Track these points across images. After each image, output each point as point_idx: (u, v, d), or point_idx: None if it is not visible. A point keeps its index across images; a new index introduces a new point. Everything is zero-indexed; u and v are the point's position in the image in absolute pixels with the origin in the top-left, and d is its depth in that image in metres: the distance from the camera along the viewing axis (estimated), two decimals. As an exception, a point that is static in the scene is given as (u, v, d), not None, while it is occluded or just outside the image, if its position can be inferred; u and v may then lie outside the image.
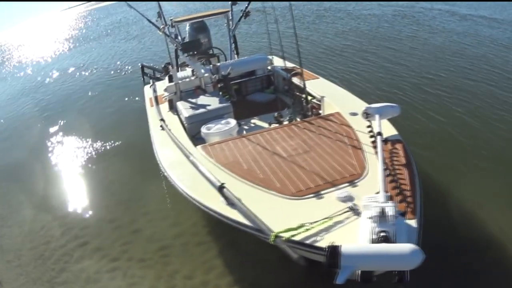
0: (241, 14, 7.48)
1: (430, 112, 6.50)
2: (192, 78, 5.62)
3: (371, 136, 3.38)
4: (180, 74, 5.91)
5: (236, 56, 8.14)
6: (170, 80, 5.58)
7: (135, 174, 5.74)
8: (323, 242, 2.19)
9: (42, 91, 12.89)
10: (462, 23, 13.03)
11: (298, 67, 5.90)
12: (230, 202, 2.76)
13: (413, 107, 6.83)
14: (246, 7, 7.32)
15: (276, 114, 4.77)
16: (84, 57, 17.82)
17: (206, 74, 5.62)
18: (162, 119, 4.78)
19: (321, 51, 11.54)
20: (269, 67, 6.53)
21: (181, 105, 5.02)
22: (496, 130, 5.64)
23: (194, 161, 3.44)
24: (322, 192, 2.81)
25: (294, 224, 2.35)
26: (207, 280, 3.62)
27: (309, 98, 4.91)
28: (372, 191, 2.53)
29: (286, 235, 2.27)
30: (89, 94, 11.10)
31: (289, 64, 5.84)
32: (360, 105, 4.12)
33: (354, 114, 4.07)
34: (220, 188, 2.86)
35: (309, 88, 5.00)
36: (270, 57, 6.54)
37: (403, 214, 2.29)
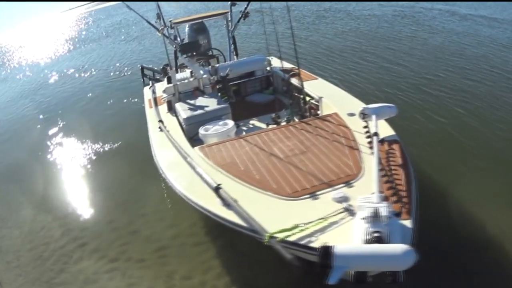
0: (240, 15, 7.48)
1: (429, 112, 6.51)
2: (191, 79, 5.63)
3: (368, 137, 3.39)
4: (179, 75, 5.93)
5: (235, 57, 8.14)
6: (169, 81, 5.59)
7: (133, 175, 5.76)
8: (317, 242, 2.20)
9: (42, 93, 12.93)
10: (462, 23, 13.03)
11: (297, 67, 5.93)
12: (226, 203, 2.76)
13: (413, 107, 6.84)
14: (245, 8, 7.33)
15: (273, 115, 4.78)
16: (84, 58, 17.87)
17: (204, 75, 5.63)
18: (160, 120, 4.79)
19: (321, 52, 11.55)
20: (268, 68, 6.53)
21: (179, 107, 5.04)
22: (496, 130, 5.64)
23: (191, 162, 3.46)
24: (318, 192, 2.81)
25: (289, 224, 2.36)
26: (205, 280, 3.64)
27: (307, 98, 4.91)
28: (368, 191, 2.53)
29: (281, 235, 2.27)
30: (89, 95, 11.13)
31: (288, 65, 5.85)
32: (358, 105, 4.12)
33: (351, 114, 4.07)
34: (216, 189, 2.87)
35: (307, 89, 5.01)
36: (269, 58, 6.55)
37: (397, 215, 2.29)
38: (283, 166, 3.25)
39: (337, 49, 11.62)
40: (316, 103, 4.88)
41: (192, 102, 5.13)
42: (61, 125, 8.88)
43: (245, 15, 7.40)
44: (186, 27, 7.67)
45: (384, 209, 2.05)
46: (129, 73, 12.81)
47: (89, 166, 6.63)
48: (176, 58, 7.89)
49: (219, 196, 2.84)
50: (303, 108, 4.78)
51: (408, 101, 7.13)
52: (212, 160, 3.54)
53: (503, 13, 13.91)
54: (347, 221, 2.40)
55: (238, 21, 7.69)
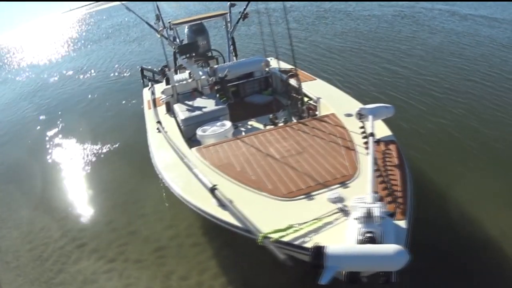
0: (239, 16, 7.49)
1: (428, 112, 6.53)
2: (189, 80, 5.65)
3: (364, 137, 3.40)
4: (177, 76, 5.95)
5: (234, 58, 8.15)
6: (167, 82, 5.61)
7: (133, 176, 5.78)
8: (311, 243, 2.21)
9: (42, 94, 12.96)
10: (462, 23, 13.03)
11: (296, 68, 5.94)
12: (222, 204, 2.78)
13: (412, 107, 6.85)
14: (244, 9, 7.34)
15: (271, 116, 4.79)
16: (84, 60, 17.90)
17: (203, 77, 5.65)
18: (158, 121, 4.82)
19: (320, 52, 11.57)
20: (267, 69, 6.54)
21: (177, 108, 5.06)
22: (495, 131, 5.64)
23: (188, 163, 3.47)
24: (313, 193, 2.82)
25: (283, 225, 2.37)
26: (202, 280, 3.66)
27: (306, 99, 4.92)
28: (363, 192, 2.53)
29: (274, 236, 2.29)
30: (89, 97, 11.16)
31: (287, 66, 5.85)
32: (356, 106, 4.13)
33: (349, 115, 4.08)
34: (212, 190, 2.89)
35: (306, 90, 5.02)
36: (268, 58, 6.55)
37: (392, 215, 2.30)
38: (279, 167, 3.26)
39: (337, 49, 11.63)
40: (314, 104, 4.89)
41: (190, 103, 5.15)
42: (60, 126, 8.92)
43: (244, 16, 7.42)
44: (186, 28, 7.68)
45: (377, 210, 2.05)
46: (129, 74, 12.84)
47: (88, 167, 6.65)
48: (175, 59, 7.90)
49: (215, 196, 2.86)
50: (300, 109, 4.79)
51: (407, 101, 7.14)
52: (209, 161, 3.56)
53: (503, 13, 13.90)
54: (342, 221, 2.41)
55: (237, 22, 7.70)
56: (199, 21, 7.63)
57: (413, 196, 2.68)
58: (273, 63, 6.58)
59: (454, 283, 3.32)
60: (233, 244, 3.78)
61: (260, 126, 5.07)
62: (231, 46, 8.12)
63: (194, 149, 3.90)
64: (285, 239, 2.30)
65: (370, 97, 7.29)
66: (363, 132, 3.45)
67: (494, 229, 3.79)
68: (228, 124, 4.49)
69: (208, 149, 3.84)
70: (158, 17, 7.51)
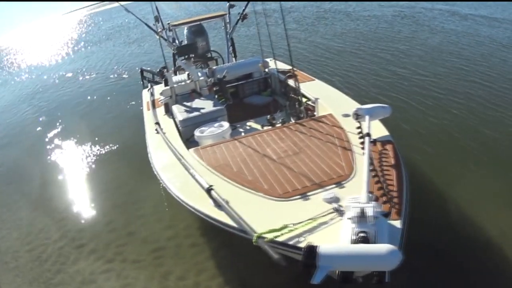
0: (239, 17, 7.50)
1: (427, 112, 6.53)
2: (188, 81, 5.66)
3: (361, 137, 3.40)
4: (176, 78, 5.96)
5: (234, 59, 8.17)
6: (166, 84, 5.63)
7: (132, 177, 5.81)
8: (305, 243, 2.21)
9: (42, 96, 12.98)
10: (462, 23, 13.02)
11: (295, 69, 5.94)
12: (218, 204, 2.79)
13: (411, 107, 6.85)
14: (243, 10, 7.35)
15: (268, 116, 4.80)
16: (84, 61, 17.93)
17: (201, 78, 5.66)
18: (157, 123, 4.83)
19: (320, 53, 11.58)
20: (266, 70, 6.55)
21: (176, 109, 5.07)
22: (495, 131, 5.63)
23: (185, 164, 3.48)
24: (309, 193, 2.83)
25: (278, 225, 2.38)
26: (199, 281, 3.68)
27: (304, 100, 4.93)
28: (358, 192, 2.53)
29: (269, 236, 2.30)
30: (89, 99, 11.18)
31: (286, 67, 5.86)
32: (354, 106, 4.13)
33: (346, 115, 4.08)
34: (208, 190, 2.90)
35: (304, 90, 5.03)
36: (267, 59, 6.56)
37: (386, 215, 2.30)
38: (275, 167, 3.27)
39: (336, 50, 11.64)
40: (313, 104, 4.89)
41: (188, 104, 5.16)
42: (60, 128, 8.95)
43: (243, 17, 7.42)
44: (185, 30, 7.70)
45: (370, 209, 2.06)
46: (129, 76, 12.85)
47: (88, 168, 6.68)
48: (174, 60, 7.92)
49: (211, 197, 2.87)
50: (298, 110, 4.80)
51: (407, 101, 7.14)
52: (206, 162, 3.57)
53: (504, 12, 13.89)
54: (336, 221, 2.42)
55: (236, 23, 7.72)
56: (198, 22, 7.64)
57: (409, 196, 2.69)
58: (272, 64, 6.60)
59: (452, 282, 3.32)
60: (230, 244, 3.79)
61: (259, 127, 5.07)
62: (230, 47, 8.14)
63: (191, 150, 3.91)
64: (280, 239, 2.30)
65: (369, 97, 7.30)
66: (360, 132, 3.46)
67: (492, 229, 3.79)
68: (225, 125, 4.50)
69: (206, 150, 3.85)
70: (157, 19, 7.55)
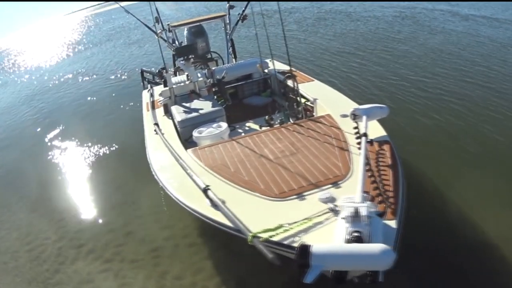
0: (238, 18, 7.52)
1: (427, 113, 6.51)
2: (187, 82, 5.68)
3: (357, 137, 3.40)
4: (175, 78, 5.98)
5: (234, 60, 8.19)
6: (165, 84, 5.65)
7: (130, 178, 5.83)
8: (299, 242, 2.22)
9: (43, 98, 12.98)
10: (463, 23, 13.01)
11: (294, 69, 5.95)
12: (214, 204, 2.80)
13: (411, 107, 6.85)
14: (243, 11, 7.36)
15: (267, 117, 4.81)
16: (85, 62, 17.94)
17: (200, 79, 5.67)
18: (156, 123, 4.85)
19: (320, 53, 11.60)
20: (266, 70, 6.56)
21: (175, 109, 5.08)
22: (494, 132, 5.61)
23: (183, 164, 3.49)
24: (305, 193, 2.83)
25: (273, 224, 2.38)
26: (196, 281, 3.68)
27: (303, 100, 4.93)
28: (354, 192, 2.54)
29: (264, 235, 2.30)
30: (89, 100, 11.18)
31: (286, 67, 5.87)
32: (352, 106, 4.13)
33: (345, 116, 4.07)
34: (205, 190, 2.91)
35: (303, 91, 5.03)
36: (267, 60, 6.57)
37: (381, 215, 2.30)
38: (272, 167, 3.28)
39: (336, 50, 11.64)
40: (311, 105, 4.90)
41: (187, 105, 5.17)
42: (60, 129, 8.96)
43: (243, 17, 7.44)
44: (185, 31, 7.72)
45: (364, 209, 2.06)
46: (129, 77, 12.85)
47: (87, 169, 6.69)
48: (174, 61, 7.94)
49: (208, 197, 2.87)
50: (296, 110, 4.80)
51: (406, 101, 7.14)
52: (204, 162, 3.58)
53: (505, 13, 13.88)
54: (332, 221, 2.42)
55: (236, 24, 7.74)
56: (198, 23, 7.66)
57: (405, 196, 2.68)
58: (272, 64, 6.60)
59: (450, 282, 3.31)
60: (228, 244, 3.80)
61: (258, 127, 5.09)
62: (230, 48, 8.16)
63: (189, 150, 3.92)
64: (275, 238, 2.30)
65: (368, 97, 7.30)
66: (357, 133, 3.46)
67: (490, 230, 3.78)
68: (224, 125, 4.51)
69: (204, 150, 3.86)
70: (157, 20, 7.58)
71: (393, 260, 1.85)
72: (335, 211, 2.49)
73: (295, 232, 2.35)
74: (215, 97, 5.50)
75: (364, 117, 3.46)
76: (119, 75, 13.53)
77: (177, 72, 7.19)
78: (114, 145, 7.26)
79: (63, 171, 6.81)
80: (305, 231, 2.36)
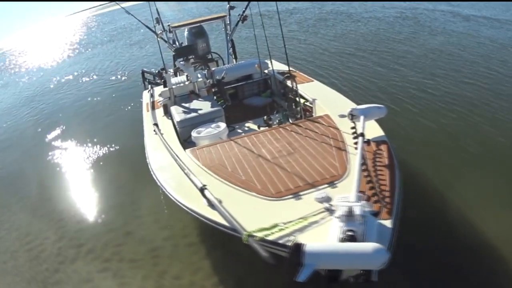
0: (239, 18, 7.53)
1: (426, 114, 6.51)
2: (187, 83, 5.70)
3: (355, 137, 3.41)
4: (175, 79, 6.00)
5: (234, 60, 8.21)
6: (165, 85, 5.67)
7: (129, 178, 5.86)
8: (293, 241, 2.23)
9: (44, 99, 13.01)
10: (463, 24, 13.00)
11: (294, 70, 5.95)
12: (211, 204, 2.81)
13: (410, 108, 6.84)
14: (244, 11, 7.38)
15: (265, 117, 4.82)
16: (86, 63, 17.97)
17: (200, 79, 5.69)
18: (155, 124, 4.86)
19: (321, 54, 11.61)
20: (266, 71, 6.57)
21: (174, 110, 5.10)
22: (493, 134, 5.61)
23: (180, 164, 3.51)
24: (301, 193, 2.84)
25: (269, 224, 2.39)
26: (194, 280, 3.69)
27: (302, 101, 4.94)
28: (351, 191, 2.55)
29: (259, 234, 2.31)
30: (89, 100, 11.22)
31: (286, 68, 5.88)
32: (351, 107, 4.15)
33: (343, 116, 4.08)
34: (202, 190, 2.92)
35: (302, 91, 5.04)
36: (267, 61, 6.58)
37: (376, 214, 2.31)
38: (269, 167, 3.29)
39: (337, 51, 11.65)
40: (310, 105, 4.91)
41: (186, 105, 5.19)
42: (60, 130, 9.00)
43: (243, 18, 7.45)
44: (185, 31, 7.75)
45: (358, 208, 2.07)
46: (131, 77, 12.88)
47: (87, 169, 6.72)
48: (175, 62, 7.96)
49: (204, 196, 2.89)
50: (295, 110, 4.81)
51: (406, 102, 7.13)
52: (202, 162, 3.60)
53: (506, 13, 13.85)
54: (327, 220, 2.42)
55: (237, 24, 7.75)
56: (198, 24, 7.68)
57: (401, 196, 2.69)
58: (272, 65, 6.61)
59: (448, 283, 3.31)
60: (226, 244, 3.81)
61: (257, 128, 5.10)
62: (231, 48, 8.18)
63: (188, 150, 3.94)
64: (270, 237, 2.31)
65: (368, 98, 7.31)
66: (354, 133, 3.47)
67: (488, 231, 3.77)
68: (222, 125, 4.53)
69: (202, 150, 3.87)
70: (158, 20, 7.61)
71: (386, 259, 1.86)
72: (330, 211, 2.50)
73: (290, 232, 2.36)
74: (215, 97, 5.51)
75: (362, 117, 3.48)
76: (120, 76, 13.56)
77: (177, 73, 7.22)
78: (114, 145, 7.29)
79: (63, 172, 6.84)
80: (300, 230, 2.37)
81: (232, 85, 6.45)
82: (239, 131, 5.17)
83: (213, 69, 6.49)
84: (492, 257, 3.51)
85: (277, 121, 4.77)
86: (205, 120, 4.76)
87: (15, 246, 5.00)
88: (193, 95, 5.56)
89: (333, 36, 13.85)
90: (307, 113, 4.90)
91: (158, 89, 6.31)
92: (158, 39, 7.28)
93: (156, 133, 4.57)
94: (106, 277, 4.01)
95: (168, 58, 7.77)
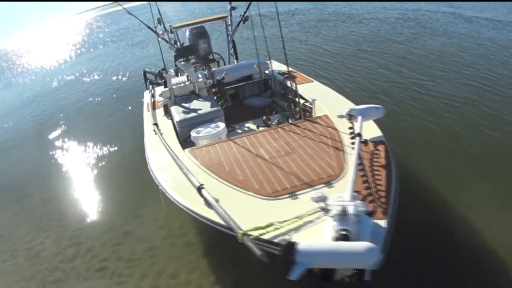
0: (240, 19, 7.55)
1: (425, 114, 6.51)
2: (187, 83, 5.72)
3: (352, 137, 3.41)
4: (175, 79, 6.02)
5: (235, 60, 8.22)
6: (165, 85, 5.69)
7: (129, 178, 5.89)
8: (286, 239, 2.23)
9: (46, 99, 13.07)
10: (465, 25, 12.98)
11: (295, 71, 5.95)
12: (208, 203, 2.82)
13: (409, 109, 6.84)
14: (245, 12, 7.39)
15: (264, 117, 4.82)
16: (88, 64, 18.04)
17: (200, 79, 5.71)
18: (155, 124, 4.88)
19: (322, 54, 11.62)
20: (266, 71, 6.58)
21: (174, 110, 5.12)
22: (491, 135, 5.59)
23: (179, 164, 3.53)
24: (298, 192, 2.85)
25: (264, 223, 2.40)
26: (190, 279, 3.70)
27: (302, 101, 4.95)
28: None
29: (254, 233, 2.32)
30: (91, 101, 11.26)
31: (286, 68, 5.89)
32: (350, 107, 4.15)
33: (342, 116, 4.09)
34: (199, 189, 2.94)
35: (302, 92, 5.04)
36: (268, 61, 6.59)
37: (370, 214, 2.31)
38: (267, 167, 3.30)
39: (338, 52, 11.66)
40: (310, 106, 4.92)
41: (186, 105, 5.21)
42: (62, 131, 9.05)
43: (244, 19, 7.47)
44: (187, 32, 7.77)
45: (352, 208, 2.07)
46: (133, 78, 12.90)
47: (87, 169, 6.74)
48: (176, 62, 7.98)
49: (201, 195, 2.90)
50: (293, 111, 4.82)
51: (406, 102, 7.13)
52: (200, 162, 3.61)
53: (509, 15, 13.82)
54: (322, 220, 2.43)
55: (238, 25, 7.77)
56: (199, 24, 7.71)
57: (397, 196, 2.69)
58: (273, 65, 6.62)
59: (450, 283, 3.32)
60: (223, 243, 3.80)
61: (256, 128, 5.11)
62: (232, 49, 8.20)
63: (187, 150, 3.96)
64: (265, 236, 2.32)
65: (368, 98, 7.31)
66: (352, 133, 3.47)
67: (490, 230, 3.76)
68: (221, 125, 4.54)
69: (201, 150, 3.89)
70: (160, 21, 7.64)
71: (378, 258, 1.86)
72: (326, 210, 2.50)
73: (285, 231, 2.36)
74: (215, 98, 5.53)
75: (360, 117, 3.47)
76: (121, 77, 13.61)
77: (179, 73, 7.24)
78: (114, 146, 7.32)
79: (64, 172, 6.87)
80: (296, 229, 2.37)
81: (233, 86, 6.47)
82: (239, 131, 5.18)
83: (213, 69, 6.51)
84: (491, 257, 3.50)
85: (276, 121, 4.78)
86: (204, 120, 4.78)
87: (16, 245, 5.03)
88: (193, 95, 5.57)
89: (335, 37, 13.85)
90: (307, 113, 4.90)
91: (159, 89, 6.33)
92: (160, 39, 7.31)
93: (155, 133, 4.59)
94: (103, 276, 4.02)
95: (169, 58, 7.80)
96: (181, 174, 3.40)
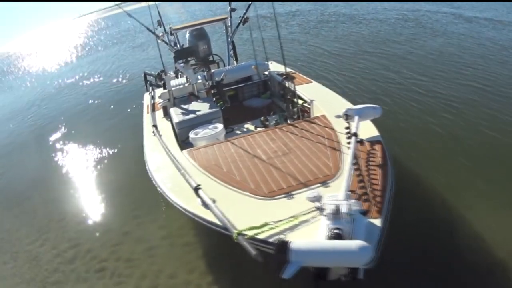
0: (240, 20, 7.58)
1: (427, 114, 6.51)
2: (186, 84, 5.74)
3: (348, 137, 3.42)
4: (175, 81, 6.04)
5: (235, 62, 8.24)
6: (164, 87, 5.72)
7: (129, 179, 5.92)
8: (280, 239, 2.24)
9: (47, 102, 13.13)
10: (465, 25, 12.96)
11: (294, 71, 5.96)
12: (205, 203, 2.84)
13: (410, 109, 6.84)
14: (244, 13, 7.42)
15: (262, 118, 4.84)
16: (89, 66, 18.12)
17: (199, 81, 5.73)
18: (154, 125, 4.91)
19: (322, 55, 11.63)
20: (266, 72, 6.60)
21: (173, 111, 5.14)
22: (490, 135, 5.57)
23: (177, 164, 3.54)
24: (294, 192, 2.86)
25: (259, 223, 2.41)
26: (189, 279, 3.72)
27: (300, 102, 4.97)
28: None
29: (249, 233, 2.33)
30: (92, 103, 11.30)
31: (287, 69, 5.91)
32: (347, 107, 4.16)
33: (339, 116, 4.10)
34: (196, 190, 2.95)
35: (301, 92, 5.06)
36: (267, 62, 6.61)
37: (364, 213, 2.32)
38: (263, 167, 3.31)
39: (338, 52, 11.66)
40: (308, 106, 4.93)
41: (185, 107, 5.23)
42: (62, 133, 9.10)
43: (244, 20, 7.50)
44: (187, 33, 7.80)
45: (345, 206, 2.08)
46: (134, 80, 12.94)
47: (87, 170, 6.77)
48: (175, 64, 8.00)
49: (198, 196, 2.92)
50: (291, 111, 4.83)
51: (407, 102, 7.13)
52: (198, 162, 3.63)
53: (509, 15, 13.79)
54: (317, 219, 2.44)
55: (237, 26, 7.79)
56: (199, 26, 7.74)
57: (392, 196, 2.70)
58: (272, 67, 6.65)
59: (449, 283, 3.31)
60: (221, 244, 3.80)
61: (254, 129, 5.12)
62: (231, 50, 8.22)
63: (185, 151, 3.98)
64: (260, 236, 2.34)
65: (368, 99, 7.31)
66: (349, 133, 3.48)
67: (490, 230, 3.76)
68: (220, 126, 4.56)
69: (199, 151, 3.91)
70: (160, 23, 7.67)
71: (371, 257, 1.87)
72: (321, 210, 2.51)
73: (280, 230, 2.38)
74: (214, 99, 5.55)
75: (356, 117, 3.48)
76: (122, 79, 13.64)
77: (178, 74, 7.27)
78: (114, 148, 7.34)
79: (64, 173, 6.90)
80: (291, 229, 2.38)
81: (232, 87, 6.49)
82: (238, 132, 5.19)
83: (212, 71, 6.53)
84: (490, 257, 3.50)
85: (274, 122, 4.80)
86: (203, 121, 4.80)
87: (16, 247, 5.06)
88: (192, 96, 5.59)
89: (335, 38, 13.87)
90: (305, 114, 4.91)
91: (159, 91, 6.35)
92: (159, 41, 7.34)
93: (154, 135, 4.61)
94: (102, 277, 4.05)
95: (169, 60, 7.82)
96: (179, 175, 3.42)
